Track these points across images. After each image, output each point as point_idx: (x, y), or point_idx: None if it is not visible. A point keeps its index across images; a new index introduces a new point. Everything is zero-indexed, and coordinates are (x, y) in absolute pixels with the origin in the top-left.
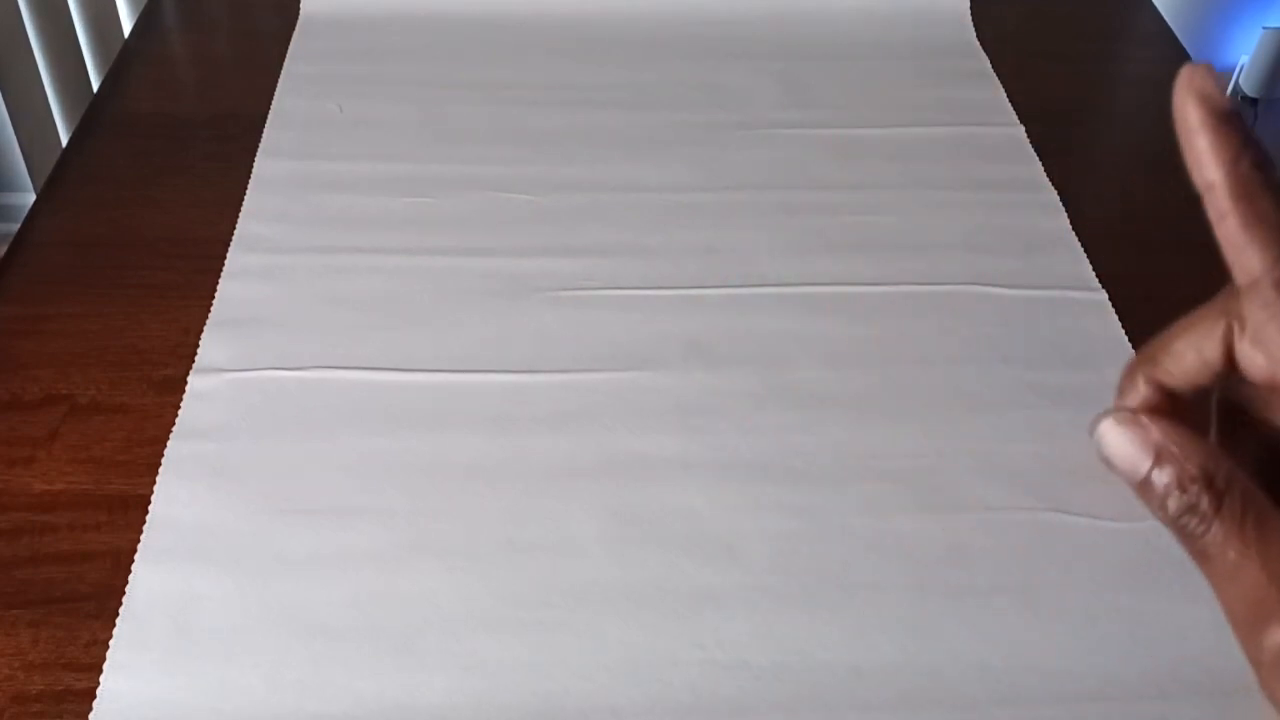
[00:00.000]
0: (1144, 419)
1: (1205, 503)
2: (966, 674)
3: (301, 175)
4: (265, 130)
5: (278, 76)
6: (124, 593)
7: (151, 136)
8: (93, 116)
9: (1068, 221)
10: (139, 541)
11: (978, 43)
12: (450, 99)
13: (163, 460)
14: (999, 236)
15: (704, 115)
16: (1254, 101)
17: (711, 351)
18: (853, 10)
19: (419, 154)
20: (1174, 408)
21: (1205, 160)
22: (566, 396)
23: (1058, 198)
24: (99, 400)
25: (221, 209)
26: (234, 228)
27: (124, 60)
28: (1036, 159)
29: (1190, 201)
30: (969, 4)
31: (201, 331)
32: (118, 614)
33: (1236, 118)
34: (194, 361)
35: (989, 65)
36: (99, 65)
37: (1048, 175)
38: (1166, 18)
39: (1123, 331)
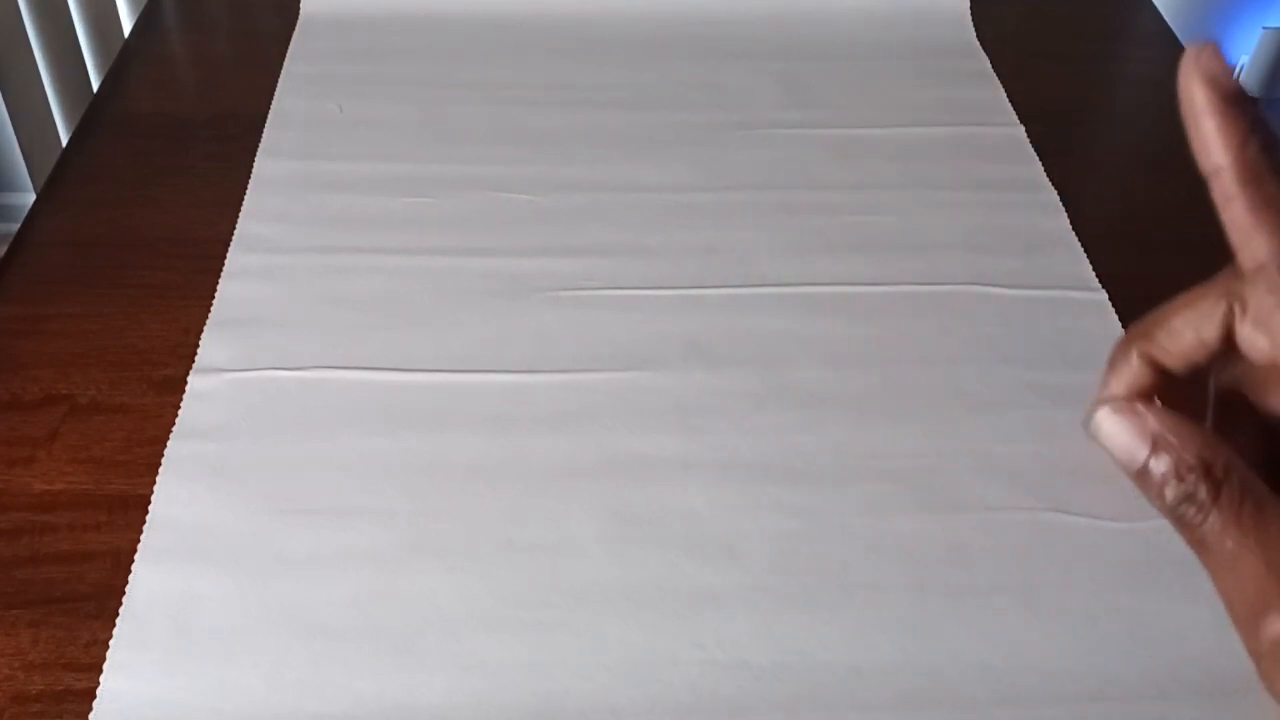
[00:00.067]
0: (1140, 407)
1: (1203, 491)
2: (966, 674)
3: (301, 175)
4: (265, 130)
5: (278, 76)
6: (124, 593)
7: (151, 136)
8: (93, 116)
9: (1068, 221)
10: (139, 541)
11: (978, 43)
12: (450, 99)
13: (163, 460)
14: (999, 236)
15: (704, 115)
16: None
17: (711, 351)
18: (853, 10)
19: (419, 154)
20: (1165, 385)
21: (1212, 143)
22: (566, 396)
23: (1058, 198)
24: (99, 400)
25: (221, 209)
26: (234, 228)
27: (124, 60)
28: (1036, 159)
29: (1190, 201)
30: (969, 4)
31: (201, 331)
32: (118, 614)
33: (1244, 99)
34: (194, 361)
35: (989, 65)
36: (99, 65)
37: (1048, 175)
38: (1166, 18)
39: (1122, 331)
